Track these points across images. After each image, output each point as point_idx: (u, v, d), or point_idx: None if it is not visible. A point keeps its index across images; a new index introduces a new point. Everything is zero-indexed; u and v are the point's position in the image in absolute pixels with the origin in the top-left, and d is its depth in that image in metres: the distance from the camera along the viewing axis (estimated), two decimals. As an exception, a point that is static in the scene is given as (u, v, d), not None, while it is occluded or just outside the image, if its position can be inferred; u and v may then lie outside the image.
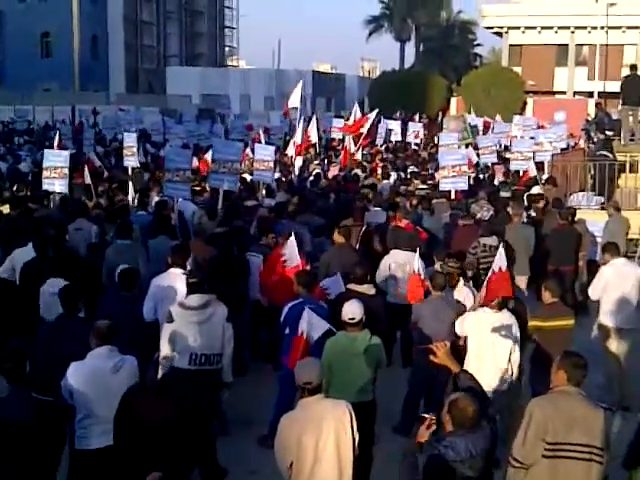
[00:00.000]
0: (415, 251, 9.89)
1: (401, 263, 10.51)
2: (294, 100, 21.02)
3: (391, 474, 7.66)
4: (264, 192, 16.07)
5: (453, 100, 50.01)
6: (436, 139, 27.86)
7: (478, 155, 20.79)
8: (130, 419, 5.53)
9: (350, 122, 24.04)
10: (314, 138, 23.72)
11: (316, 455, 5.53)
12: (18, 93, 48.17)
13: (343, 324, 7.33)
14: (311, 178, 18.96)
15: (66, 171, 14.50)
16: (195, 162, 17.61)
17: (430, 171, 20.15)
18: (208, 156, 16.97)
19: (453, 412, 4.97)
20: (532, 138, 21.37)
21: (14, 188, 15.46)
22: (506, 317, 8.06)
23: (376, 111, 24.88)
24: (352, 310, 7.26)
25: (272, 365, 9.94)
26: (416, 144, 29.32)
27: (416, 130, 30.07)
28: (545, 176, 17.96)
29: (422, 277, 9.41)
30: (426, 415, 5.19)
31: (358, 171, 20.15)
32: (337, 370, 7.19)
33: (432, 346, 5.73)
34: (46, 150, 16.18)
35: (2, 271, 10.11)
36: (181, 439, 5.45)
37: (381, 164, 21.75)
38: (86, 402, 6.06)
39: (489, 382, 7.86)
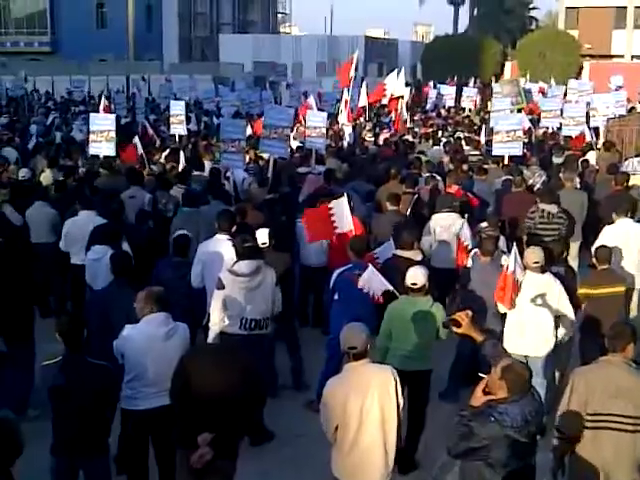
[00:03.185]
0: (459, 213, 9.83)
1: (445, 226, 10.44)
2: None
3: (440, 441, 7.77)
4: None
5: (507, 65, 49.24)
6: (489, 104, 27.53)
7: (538, 120, 20.47)
8: (188, 380, 5.58)
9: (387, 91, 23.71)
10: (363, 102, 23.58)
11: (361, 419, 5.57)
12: (74, 64, 48.72)
13: (406, 289, 7.39)
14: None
15: (113, 134, 14.70)
16: (249, 130, 17.69)
17: (482, 137, 19.92)
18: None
19: (508, 378, 4.85)
20: (588, 104, 21.00)
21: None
22: (550, 280, 7.94)
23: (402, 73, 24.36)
24: (415, 275, 7.32)
25: (321, 329, 10.07)
26: (469, 109, 28.98)
27: (471, 95, 29.71)
28: (601, 141, 17.64)
29: (467, 243, 9.37)
30: (484, 376, 5.09)
31: (409, 137, 20.03)
32: (397, 336, 7.30)
33: (456, 316, 5.64)
34: (92, 114, 16.41)
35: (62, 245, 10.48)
36: (237, 402, 5.48)
37: (431, 130, 21.58)
38: (136, 365, 6.15)
39: (533, 348, 7.86)
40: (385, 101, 24.96)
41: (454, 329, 5.66)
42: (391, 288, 7.78)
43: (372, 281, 7.88)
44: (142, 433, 6.21)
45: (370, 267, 7.97)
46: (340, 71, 22.58)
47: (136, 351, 6.14)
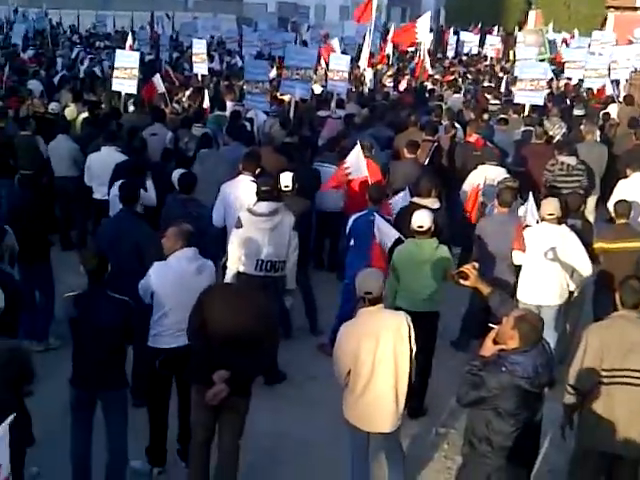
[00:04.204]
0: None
1: (491, 179, 10.16)
2: (370, 11, 20.57)
3: (449, 388, 7.91)
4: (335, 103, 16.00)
5: (531, 14, 48.17)
6: (511, 53, 27.18)
7: (562, 70, 20.20)
8: (205, 318, 5.65)
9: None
10: (388, 50, 23.34)
11: (373, 364, 5.64)
12: (99, -1, 48.21)
13: (412, 232, 7.46)
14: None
15: (136, 72, 14.62)
16: (273, 71, 17.59)
17: (503, 86, 19.74)
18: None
19: (521, 328, 4.83)
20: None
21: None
22: (565, 232, 7.95)
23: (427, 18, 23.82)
24: (421, 218, 7.39)
25: (336, 274, 10.17)
26: (492, 58, 28.63)
27: (494, 44, 29.33)
28: (622, 94, 17.44)
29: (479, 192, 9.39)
30: (494, 326, 5.11)
31: (429, 84, 19.86)
32: (404, 277, 7.39)
33: (463, 269, 5.64)
34: (118, 50, 16.36)
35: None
36: (253, 341, 5.55)
37: (452, 77, 21.37)
38: (167, 302, 6.18)
39: (546, 298, 7.92)
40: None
41: (461, 282, 5.67)
42: (400, 236, 7.83)
43: (383, 232, 7.93)
44: (168, 371, 6.30)
45: (378, 217, 7.98)
46: (360, 8, 22.18)
47: (166, 288, 6.16)
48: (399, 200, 9.32)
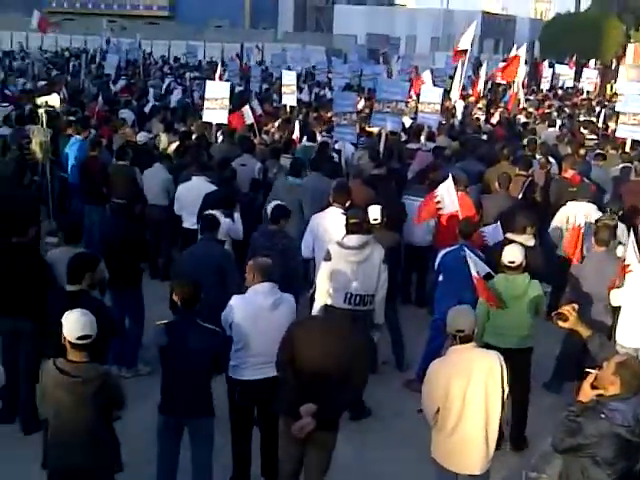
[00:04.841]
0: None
1: (583, 216, 9.70)
2: (465, 42, 20.46)
3: (541, 430, 7.66)
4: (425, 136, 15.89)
5: (630, 47, 47.30)
6: (609, 87, 26.62)
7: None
8: (294, 350, 5.62)
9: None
10: (481, 84, 23.14)
11: (463, 404, 5.53)
12: (190, 29, 49.52)
13: (503, 267, 7.34)
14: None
15: (226, 102, 14.73)
16: (362, 103, 17.59)
17: (600, 121, 19.28)
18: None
19: (623, 374, 4.65)
20: None
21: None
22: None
23: (524, 51, 23.45)
24: (513, 253, 7.28)
25: (426, 309, 10.02)
26: (588, 92, 28.11)
27: (590, 77, 28.79)
28: None
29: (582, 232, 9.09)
30: (591, 371, 4.91)
31: (521, 117, 19.58)
32: (494, 313, 7.29)
33: (562, 310, 5.49)
34: (209, 81, 16.62)
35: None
36: (342, 376, 5.48)
37: (547, 111, 21.02)
38: (244, 335, 6.21)
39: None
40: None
41: (560, 323, 5.54)
42: (490, 271, 7.68)
43: (475, 266, 7.78)
44: (246, 402, 6.32)
45: (467, 252, 7.84)
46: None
47: (243, 321, 6.20)
48: (490, 230, 9.15)
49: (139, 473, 6.18)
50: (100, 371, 5.04)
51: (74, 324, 4.92)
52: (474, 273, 7.34)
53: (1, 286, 7.30)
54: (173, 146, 13.45)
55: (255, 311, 6.21)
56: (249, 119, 15.69)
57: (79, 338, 4.90)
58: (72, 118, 15.10)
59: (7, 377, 5.62)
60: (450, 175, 9.86)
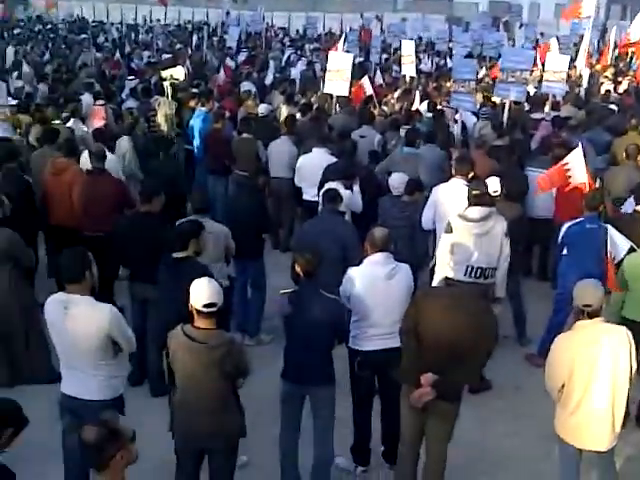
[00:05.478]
0: None
1: None
2: (588, 8, 19.73)
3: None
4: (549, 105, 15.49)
5: None
6: None
7: None
8: (418, 320, 5.59)
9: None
10: (608, 52, 22.28)
11: (589, 380, 5.41)
12: (310, 1, 49.47)
13: None
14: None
15: (348, 74, 14.69)
16: (483, 71, 17.26)
17: None
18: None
19: None
20: None
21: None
22: None
23: None
24: None
25: (550, 284, 9.84)
26: None
27: None
28: None
29: None
30: None
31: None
32: (634, 287, 7.14)
33: None
34: (331, 52, 16.62)
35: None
36: (466, 348, 5.41)
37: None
38: (362, 306, 6.25)
39: None
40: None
41: None
42: (632, 245, 7.49)
43: (615, 242, 7.58)
44: (366, 372, 6.37)
45: (610, 227, 7.64)
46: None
47: (360, 291, 6.24)
48: (628, 205, 8.89)
49: (261, 439, 6.37)
50: (226, 338, 5.17)
51: (201, 292, 5.06)
52: (609, 251, 7.15)
53: (132, 253, 7.61)
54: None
55: (371, 281, 6.24)
56: (368, 90, 15.66)
57: (205, 306, 5.03)
58: (196, 91, 15.45)
59: (137, 342, 5.85)
60: (580, 144, 9.57)
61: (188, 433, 5.28)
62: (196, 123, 13.16)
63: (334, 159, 10.45)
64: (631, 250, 7.46)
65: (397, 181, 8.86)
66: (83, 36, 31.49)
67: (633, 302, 7.16)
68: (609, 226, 7.70)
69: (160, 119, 13.69)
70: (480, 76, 17.50)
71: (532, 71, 17.93)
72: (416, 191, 8.68)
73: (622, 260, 7.40)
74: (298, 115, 13.56)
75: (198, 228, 6.76)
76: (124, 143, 11.53)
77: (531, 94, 16.43)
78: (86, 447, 3.55)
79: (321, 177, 9.90)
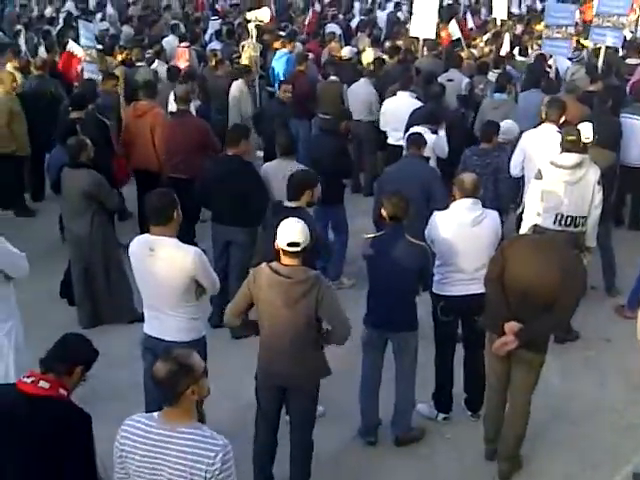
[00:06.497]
0: None
1: None
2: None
3: None
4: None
5: None
6: None
7: None
8: (504, 267, 5.47)
9: None
10: None
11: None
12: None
13: None
14: None
15: (435, 17, 14.10)
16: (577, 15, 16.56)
17: None
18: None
19: None
20: None
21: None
22: None
23: None
24: None
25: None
26: None
27: None
28: None
29: None
30: None
31: None
32: None
33: None
34: None
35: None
36: (552, 297, 5.26)
37: None
38: (446, 251, 6.17)
39: None
40: None
41: None
42: None
43: None
44: (449, 317, 6.30)
45: None
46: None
47: (445, 236, 6.16)
48: None
49: (341, 382, 6.31)
50: (310, 274, 5.09)
51: (285, 231, 5.02)
52: None
53: (217, 196, 7.62)
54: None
55: (456, 227, 6.14)
56: (456, 34, 15.27)
57: (289, 245, 4.99)
58: (282, 33, 15.32)
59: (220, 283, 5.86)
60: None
61: (269, 370, 5.26)
62: (278, 65, 13.06)
63: (419, 103, 10.26)
64: None
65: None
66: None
67: None
68: None
69: (245, 61, 13.63)
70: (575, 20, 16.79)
71: (627, 15, 17.16)
72: (493, 136, 8.42)
73: None
74: (385, 58, 13.31)
75: (315, 180, 6.62)
76: (238, 86, 11.49)
77: (627, 39, 15.74)
78: (157, 383, 3.57)
79: (407, 121, 9.73)
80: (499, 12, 18.14)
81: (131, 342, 6.22)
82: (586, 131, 8.26)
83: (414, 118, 9.61)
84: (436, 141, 8.99)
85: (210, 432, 3.60)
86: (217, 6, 23.29)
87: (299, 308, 4.99)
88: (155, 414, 3.66)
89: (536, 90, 11.00)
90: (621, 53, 14.63)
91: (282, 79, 12.64)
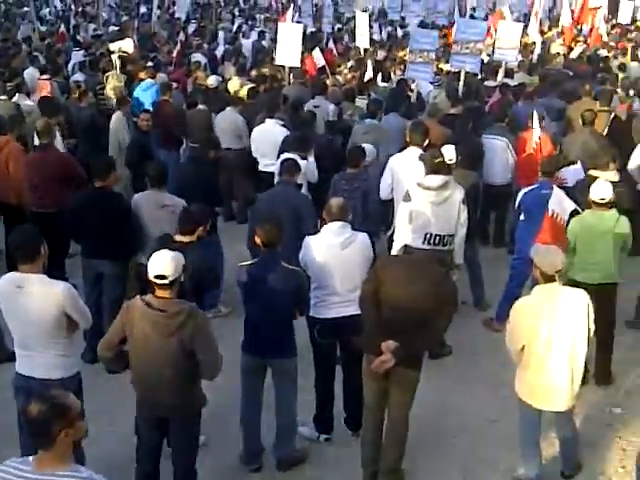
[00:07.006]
0: None
1: None
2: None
3: (624, 368, 7.55)
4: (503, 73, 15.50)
5: None
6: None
7: None
8: (378, 287, 5.57)
9: None
10: (566, 19, 22.21)
11: (549, 342, 5.47)
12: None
13: (592, 204, 7.22)
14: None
15: (299, 45, 14.27)
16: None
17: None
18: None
19: None
20: None
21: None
22: None
23: None
24: (603, 190, 7.16)
25: (507, 249, 9.90)
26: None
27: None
28: None
29: None
30: None
31: (604, 51, 18.94)
32: (581, 249, 7.20)
33: None
34: (280, 23, 16.28)
35: None
36: (426, 314, 5.40)
37: (630, 45, 20.26)
38: (318, 274, 6.24)
39: None
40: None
41: None
42: (576, 207, 7.56)
43: (560, 203, 7.62)
44: (326, 340, 6.35)
45: (556, 189, 7.69)
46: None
47: (316, 260, 6.23)
48: (572, 172, 8.93)
49: (224, 408, 6.30)
50: (184, 306, 5.04)
51: (154, 263, 4.98)
52: (548, 213, 7.15)
53: (87, 229, 7.45)
54: (245, 89, 13.41)
55: (326, 249, 6.23)
56: (320, 61, 15.52)
57: (156, 277, 4.95)
58: (150, 64, 15.16)
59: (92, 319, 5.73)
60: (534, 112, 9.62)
61: (149, 401, 5.21)
62: (144, 95, 12.92)
63: (285, 130, 10.36)
64: (575, 212, 7.49)
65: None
66: (25, 9, 30.65)
67: (581, 265, 7.18)
68: (555, 187, 7.75)
69: (109, 92, 13.42)
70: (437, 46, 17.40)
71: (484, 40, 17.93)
72: (360, 161, 8.57)
73: (568, 222, 7.41)
74: (249, 87, 13.38)
75: (208, 215, 6.61)
76: (117, 116, 11.32)
77: (485, 62, 16.43)
78: (29, 424, 3.45)
79: (280, 146, 9.80)
80: (361, 40, 18.57)
81: (3, 383, 5.97)
82: (449, 153, 8.57)
83: (285, 145, 9.70)
84: (307, 167, 9.09)
85: (88, 473, 3.49)
86: (79, 37, 22.83)
87: (174, 341, 4.95)
88: (30, 458, 3.52)
89: (394, 114, 11.29)
90: (480, 76, 15.24)
91: (146, 109, 12.53)
